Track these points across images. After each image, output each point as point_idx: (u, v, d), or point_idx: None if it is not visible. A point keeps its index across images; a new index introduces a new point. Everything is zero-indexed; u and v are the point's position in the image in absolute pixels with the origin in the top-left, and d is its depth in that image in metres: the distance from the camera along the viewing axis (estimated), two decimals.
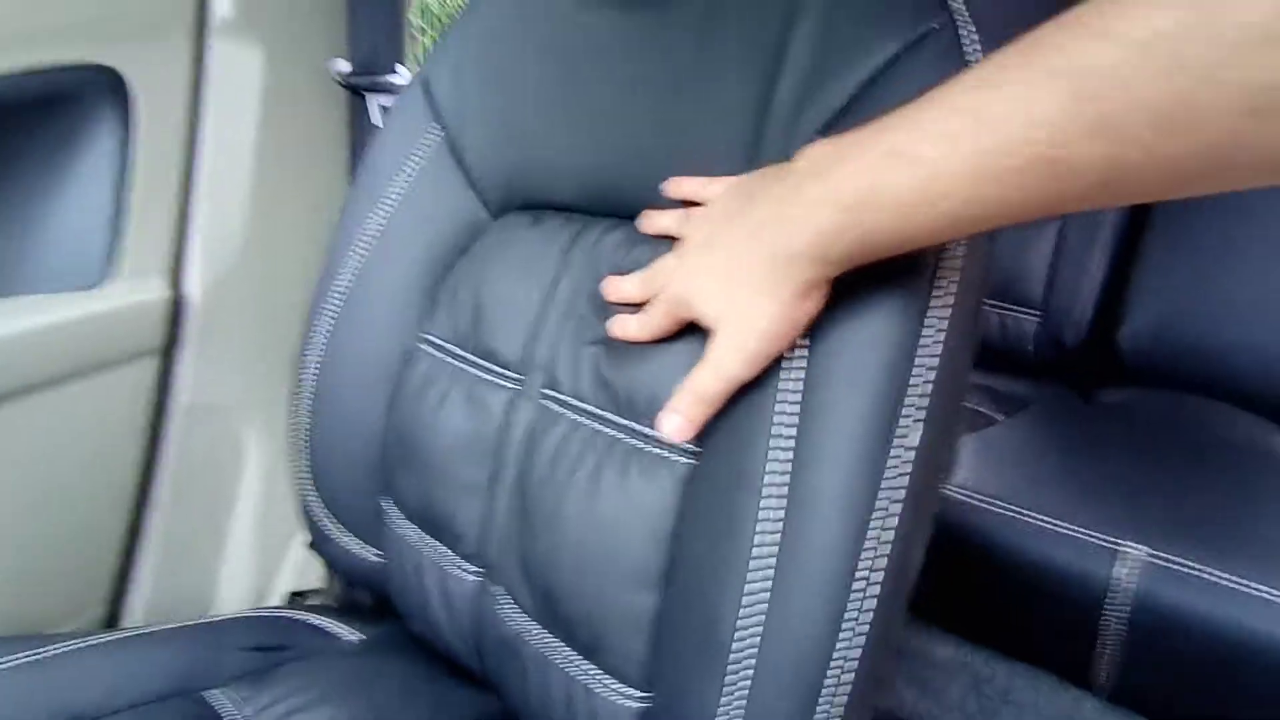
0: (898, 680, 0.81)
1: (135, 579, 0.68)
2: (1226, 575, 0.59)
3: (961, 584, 0.71)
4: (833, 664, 0.37)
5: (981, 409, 0.95)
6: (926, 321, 0.37)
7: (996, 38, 0.34)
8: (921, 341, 0.37)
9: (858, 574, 0.36)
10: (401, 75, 0.75)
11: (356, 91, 0.71)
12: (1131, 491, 0.69)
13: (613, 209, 0.54)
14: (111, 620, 0.68)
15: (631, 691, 0.45)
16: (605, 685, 0.46)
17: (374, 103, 0.71)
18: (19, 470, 0.64)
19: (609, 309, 0.50)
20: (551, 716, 0.49)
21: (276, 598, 0.74)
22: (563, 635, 0.48)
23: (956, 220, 0.31)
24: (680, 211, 0.47)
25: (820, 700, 0.37)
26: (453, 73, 0.63)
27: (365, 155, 0.66)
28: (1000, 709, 0.75)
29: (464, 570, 0.55)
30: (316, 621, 0.66)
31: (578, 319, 0.52)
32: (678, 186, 0.48)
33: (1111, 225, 1.02)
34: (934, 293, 0.38)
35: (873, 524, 0.36)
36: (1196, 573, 0.59)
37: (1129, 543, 0.62)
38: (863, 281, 0.38)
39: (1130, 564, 0.61)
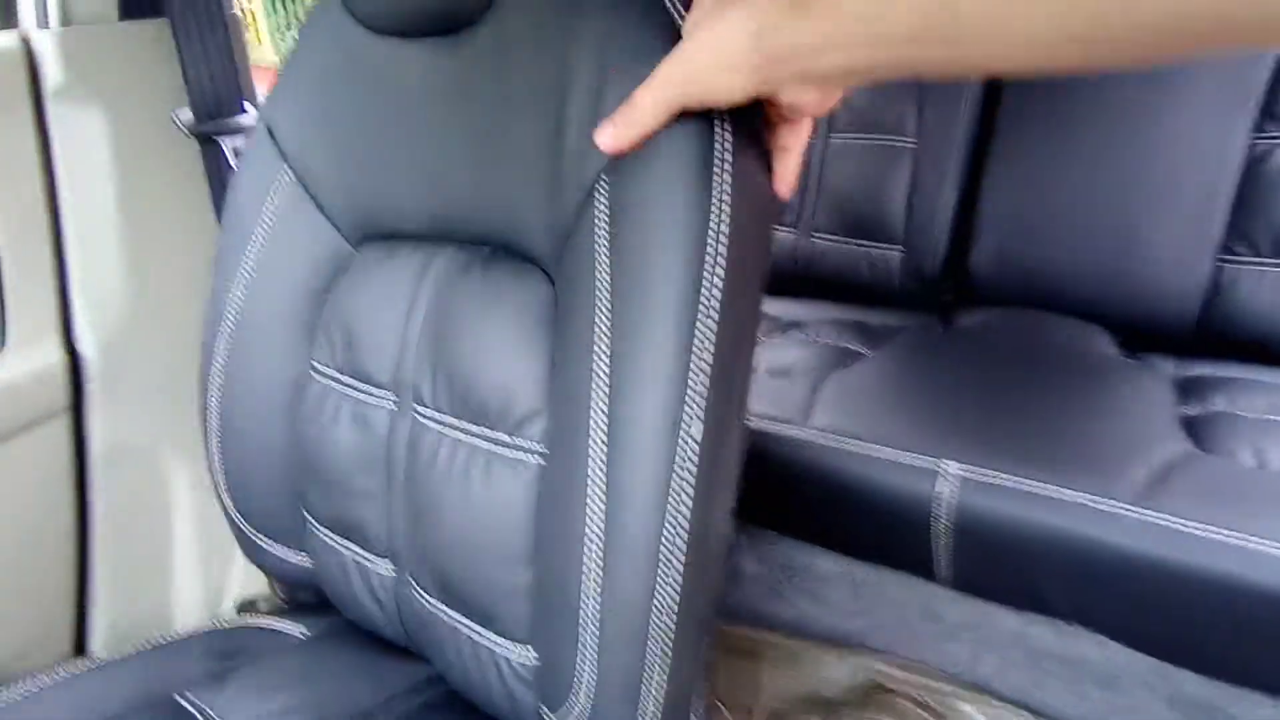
0: (792, 592, 0.94)
1: (93, 612, 0.76)
2: (1029, 482, 0.70)
3: (825, 509, 0.82)
4: (654, 615, 0.46)
5: (851, 345, 1.05)
6: (698, 320, 0.45)
7: None
8: (697, 347, 0.45)
9: (665, 539, 0.46)
10: (250, 115, 0.78)
11: (207, 138, 0.75)
12: (957, 413, 0.81)
13: (453, 235, 0.60)
14: (79, 649, 0.76)
15: (523, 649, 0.54)
16: (503, 647, 0.55)
17: (228, 146, 0.75)
18: None
19: (460, 329, 0.57)
20: (470, 675, 0.59)
21: (229, 606, 0.82)
22: (462, 610, 0.57)
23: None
24: None
25: (648, 644, 0.47)
26: (291, 114, 0.67)
27: (227, 197, 0.70)
28: (875, 605, 0.88)
29: (378, 563, 0.64)
30: (265, 624, 0.75)
31: (433, 339, 0.59)
32: None
33: (957, 159, 1.11)
34: (714, 262, 0.45)
35: (672, 497, 0.45)
36: (1002, 483, 0.71)
37: (946, 461, 0.73)
38: (640, 299, 0.46)
39: (948, 481, 0.73)
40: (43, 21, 0.71)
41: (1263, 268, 0.93)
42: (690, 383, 0.45)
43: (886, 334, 1.08)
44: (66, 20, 0.71)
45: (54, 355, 0.72)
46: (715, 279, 0.45)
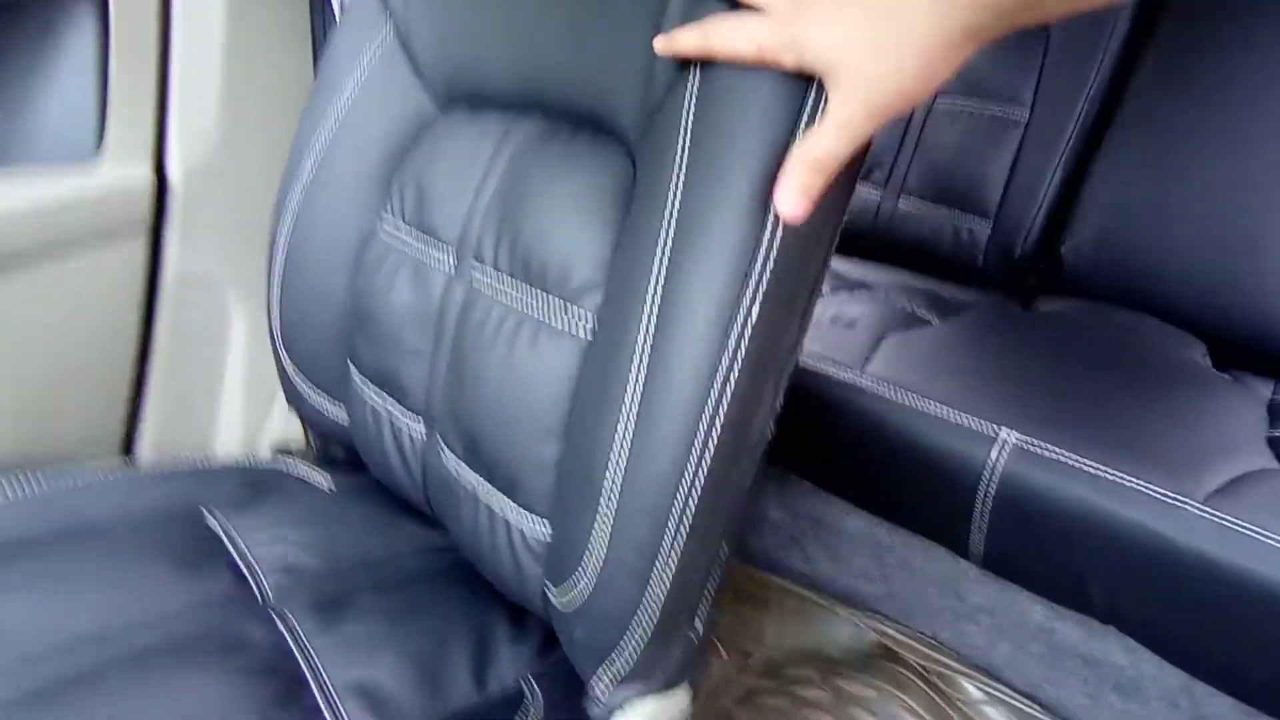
0: (813, 546, 0.92)
1: (143, 424, 0.79)
2: (1089, 462, 0.66)
3: (866, 463, 0.79)
4: (677, 498, 0.45)
5: (918, 311, 1.00)
6: (768, 221, 0.43)
7: None
8: (761, 245, 0.43)
9: (700, 428, 0.44)
10: None
11: None
12: (1023, 387, 0.76)
13: (540, 102, 0.59)
14: (125, 452, 0.80)
15: (539, 523, 0.54)
16: (520, 515, 0.55)
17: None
18: (34, 331, 0.73)
19: (533, 192, 0.56)
20: (482, 544, 0.59)
21: (264, 446, 0.85)
22: (486, 475, 0.57)
23: None
24: None
25: (667, 525, 0.46)
26: None
27: (325, 48, 0.70)
28: (896, 574, 0.86)
29: (412, 422, 0.64)
30: (294, 469, 0.77)
31: (505, 200, 0.58)
32: None
33: (1070, 138, 1.04)
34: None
35: (714, 388, 0.44)
36: (1057, 457, 0.67)
37: (1004, 429, 0.69)
38: (715, 181, 0.43)
39: (1002, 449, 0.69)
40: None
41: None
42: (751, 271, 0.43)
43: (959, 307, 1.03)
44: None
45: (143, 174, 0.74)
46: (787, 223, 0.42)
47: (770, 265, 0.43)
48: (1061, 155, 1.05)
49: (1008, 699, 0.77)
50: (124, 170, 0.72)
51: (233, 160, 0.77)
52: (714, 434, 0.44)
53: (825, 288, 1.10)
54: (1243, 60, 0.94)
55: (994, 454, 0.69)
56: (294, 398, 0.75)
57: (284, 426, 0.85)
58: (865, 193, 1.21)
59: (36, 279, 0.69)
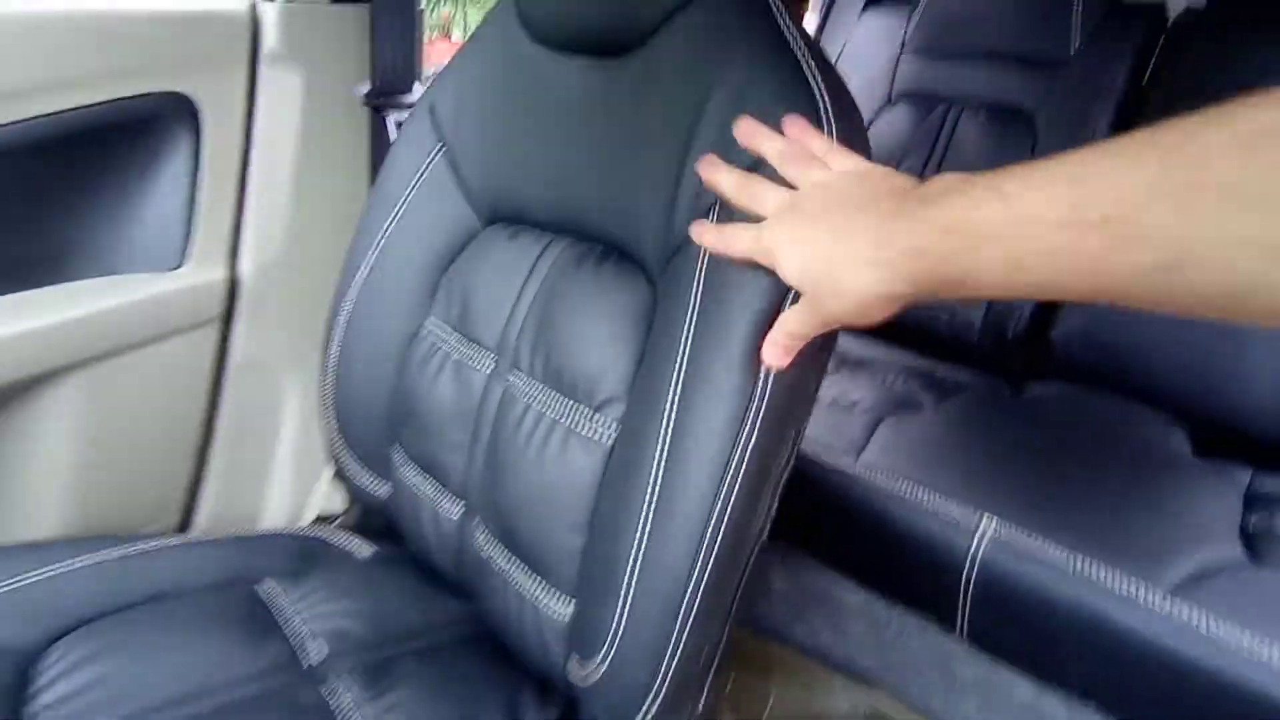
0: (815, 617, 0.97)
1: (201, 498, 0.87)
2: (1057, 549, 0.72)
3: (862, 544, 0.86)
4: (689, 587, 0.52)
5: (913, 394, 1.08)
6: (762, 367, 0.50)
7: None
8: (757, 387, 0.50)
9: (708, 529, 0.51)
10: (416, 93, 0.88)
11: (377, 110, 0.85)
12: (1007, 475, 0.83)
13: (573, 229, 0.67)
14: (182, 528, 0.87)
15: (564, 603, 0.61)
16: (548, 595, 0.62)
17: (391, 120, 0.85)
18: (112, 413, 0.82)
19: (566, 311, 0.64)
20: (510, 619, 0.66)
21: (309, 517, 0.92)
22: (519, 558, 0.64)
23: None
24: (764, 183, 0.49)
25: (679, 610, 0.52)
26: (452, 100, 0.75)
27: (384, 164, 0.80)
28: (891, 647, 0.91)
29: (450, 504, 0.71)
30: (337, 540, 0.84)
31: (540, 316, 0.66)
32: (793, 125, 0.50)
33: None
34: (787, 301, 0.50)
35: (719, 497, 0.51)
36: (1032, 546, 0.73)
37: (986, 517, 0.76)
38: (722, 326, 0.51)
39: (983, 537, 0.75)
40: None
41: None
42: (750, 405, 0.50)
43: (953, 389, 1.10)
44: None
45: (220, 273, 0.84)
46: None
47: (764, 404, 0.50)
48: None
49: None
50: (205, 274, 0.82)
51: (296, 261, 0.87)
52: (720, 534, 0.51)
53: (830, 366, 1.18)
54: None
55: (975, 541, 0.76)
56: (342, 472, 0.83)
57: (328, 499, 0.93)
58: None
59: (121, 367, 0.79)
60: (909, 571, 0.81)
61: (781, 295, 0.50)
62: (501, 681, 0.66)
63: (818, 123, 0.52)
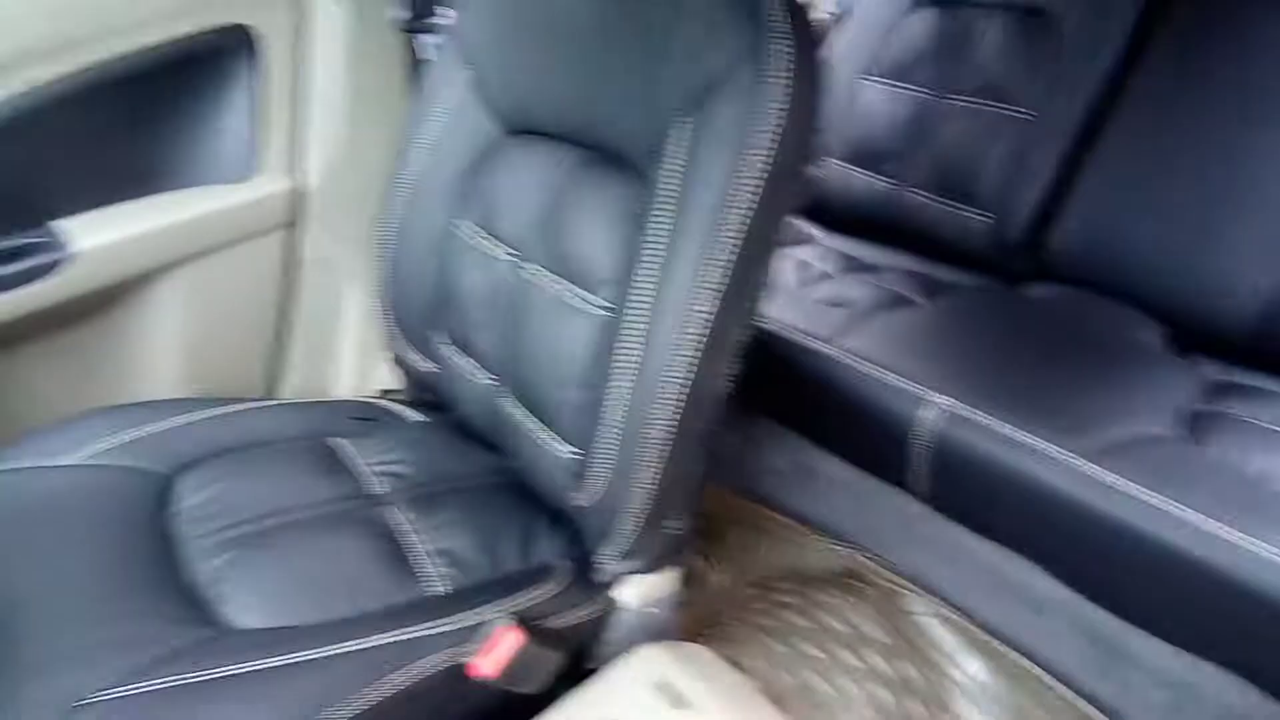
0: (799, 485, 1.11)
1: (283, 371, 1.05)
2: (1000, 422, 0.83)
3: (837, 419, 0.97)
4: (662, 427, 0.65)
5: (911, 293, 1.16)
6: (723, 245, 0.61)
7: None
8: (717, 260, 0.62)
9: (677, 381, 0.64)
10: (444, 16, 0.98)
11: (411, 33, 0.96)
12: (970, 359, 0.92)
13: (577, 138, 0.78)
14: (270, 394, 1.07)
15: (570, 447, 0.75)
16: (556, 441, 0.77)
17: (425, 41, 0.96)
18: (206, 303, 0.99)
19: (571, 210, 0.76)
20: (528, 464, 0.81)
21: (373, 389, 1.10)
22: (535, 413, 0.79)
23: None
24: None
25: (654, 446, 0.66)
26: (475, 24, 0.86)
27: (420, 84, 0.92)
28: (865, 511, 1.04)
29: (481, 375, 0.86)
30: (396, 408, 1.00)
31: (550, 215, 0.78)
32: None
33: (1066, 139, 1.16)
34: (745, 201, 0.61)
35: (686, 354, 0.63)
36: (977, 418, 0.84)
37: (934, 393, 0.86)
38: (692, 216, 0.62)
39: (933, 410, 0.86)
40: None
41: None
42: (708, 279, 0.62)
43: (948, 289, 1.18)
44: None
45: (285, 184, 0.99)
46: (742, 211, 0.61)
47: (727, 274, 0.62)
48: (1059, 153, 1.17)
49: (948, 614, 0.95)
50: (272, 185, 0.97)
51: (350, 172, 1.01)
52: (686, 388, 0.64)
53: (837, 269, 1.26)
54: (1234, 75, 1.04)
55: (924, 413, 0.86)
56: (397, 354, 0.99)
57: (387, 375, 1.10)
58: (882, 185, 1.35)
59: (209, 265, 0.96)
60: (875, 442, 0.93)
61: (734, 194, 0.61)
62: (522, 514, 0.82)
63: (761, 37, 0.61)
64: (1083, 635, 0.88)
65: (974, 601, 0.96)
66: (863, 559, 1.03)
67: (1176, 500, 0.75)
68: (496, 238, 0.84)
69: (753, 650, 0.96)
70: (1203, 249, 1.04)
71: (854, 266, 1.28)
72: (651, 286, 0.66)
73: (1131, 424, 0.84)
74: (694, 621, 1.03)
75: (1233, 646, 0.76)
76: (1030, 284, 1.20)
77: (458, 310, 0.89)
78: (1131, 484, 0.77)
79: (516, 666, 0.65)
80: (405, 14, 0.98)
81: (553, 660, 0.69)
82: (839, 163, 1.40)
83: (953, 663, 0.95)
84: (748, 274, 0.64)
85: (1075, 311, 1.09)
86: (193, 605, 0.66)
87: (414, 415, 0.99)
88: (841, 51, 1.42)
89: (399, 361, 0.99)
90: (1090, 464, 0.78)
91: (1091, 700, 0.90)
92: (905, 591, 1.00)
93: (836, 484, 1.02)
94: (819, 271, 1.24)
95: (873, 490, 0.99)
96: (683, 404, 0.65)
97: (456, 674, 0.63)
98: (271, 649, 0.60)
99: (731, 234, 0.61)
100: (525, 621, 0.68)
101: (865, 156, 1.37)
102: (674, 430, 0.66)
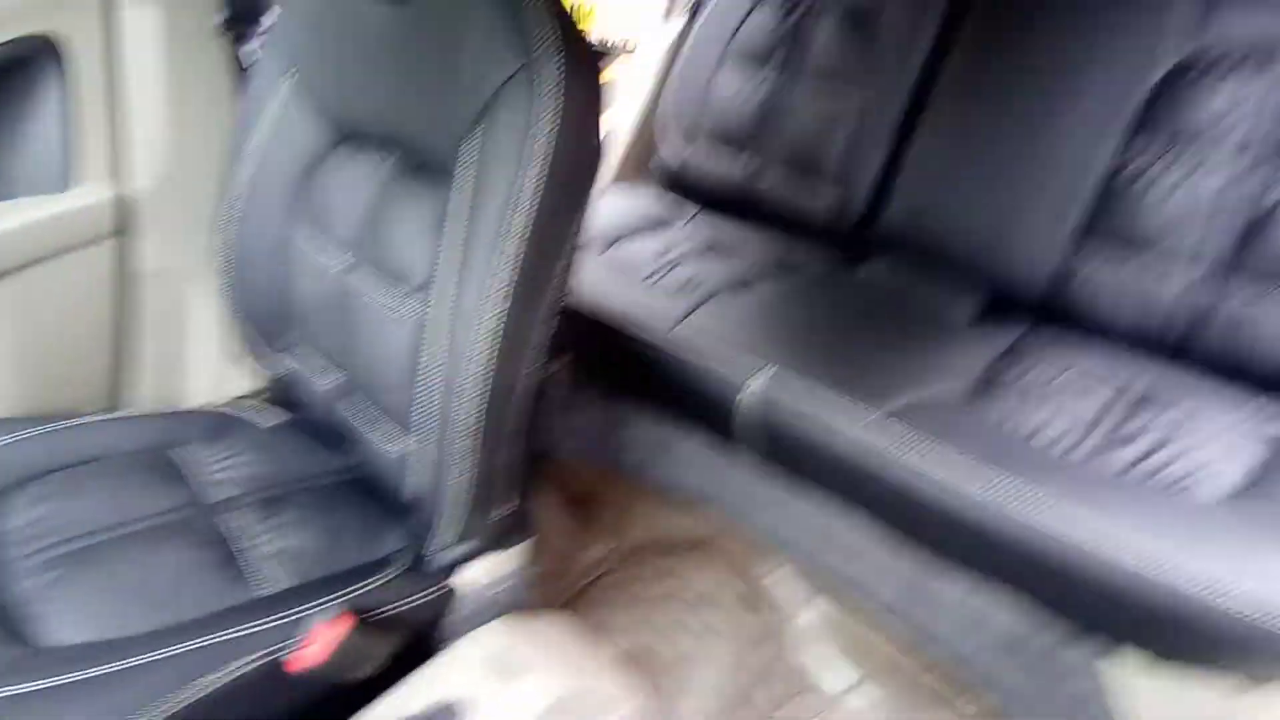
0: (652, 457, 1.17)
1: (127, 384, 1.03)
2: (810, 387, 0.90)
3: (680, 395, 1.04)
4: (476, 411, 0.68)
5: (751, 276, 1.23)
6: (511, 247, 0.65)
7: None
8: (506, 263, 0.65)
9: (485, 370, 0.67)
10: (268, 18, 0.98)
11: (234, 37, 0.95)
12: (793, 336, 0.99)
13: (397, 145, 0.80)
14: (115, 407, 1.05)
15: (398, 444, 0.78)
16: (388, 440, 0.79)
17: (248, 46, 0.95)
18: (34, 318, 0.96)
19: (390, 217, 0.78)
20: (369, 460, 0.84)
21: (228, 397, 1.10)
22: (369, 412, 0.82)
23: None
24: None
25: (474, 429, 0.69)
26: (297, 29, 0.86)
27: (246, 89, 0.91)
28: (713, 474, 1.11)
29: (324, 377, 0.88)
30: (249, 413, 1.01)
31: (374, 221, 0.80)
32: None
33: (889, 129, 1.24)
34: (526, 207, 0.65)
35: (490, 346, 0.66)
36: (797, 389, 0.91)
37: (760, 367, 0.93)
38: (485, 219, 0.66)
39: (760, 379, 0.93)
40: None
41: (1103, 265, 1.07)
42: (508, 278, 0.66)
43: (792, 269, 1.26)
44: None
45: (108, 192, 0.97)
46: (525, 217, 0.65)
47: (517, 277, 0.66)
48: (889, 135, 1.25)
49: (785, 562, 1.03)
50: (93, 194, 0.95)
51: (183, 179, 1.00)
52: (489, 382, 0.68)
53: (694, 252, 1.32)
54: (1027, 67, 1.13)
55: (752, 383, 0.94)
56: (251, 354, 0.99)
57: (242, 380, 1.10)
58: (736, 163, 1.42)
59: (33, 278, 0.93)
60: (711, 414, 1.00)
61: (516, 200, 0.64)
62: (365, 509, 0.85)
63: (530, 48, 0.65)
64: (900, 571, 0.97)
65: (810, 550, 1.05)
66: (716, 523, 1.11)
67: (956, 453, 0.84)
68: (330, 243, 0.85)
69: (614, 616, 1.02)
70: (1003, 224, 1.14)
71: (712, 247, 1.34)
72: (451, 290, 0.69)
73: (927, 388, 0.93)
74: (561, 593, 1.08)
75: (1005, 572, 0.86)
76: (867, 262, 1.28)
77: (300, 314, 0.90)
78: (917, 440, 0.85)
79: (342, 656, 0.68)
80: (224, 16, 0.97)
81: (383, 647, 0.72)
82: (702, 146, 1.45)
83: (795, 609, 1.03)
84: (538, 275, 0.68)
85: (899, 285, 1.18)
86: (5, 624, 0.66)
87: (268, 419, 1.00)
88: (699, 41, 1.47)
89: (248, 367, 1.00)
90: (885, 422, 0.86)
91: (905, 629, 1.00)
92: (753, 549, 1.08)
93: (690, 456, 1.09)
94: (677, 254, 1.29)
95: (722, 459, 1.05)
96: (486, 400, 0.69)
97: (276, 670, 0.66)
98: (84, 662, 0.62)
99: (516, 239, 0.65)
100: (357, 612, 0.71)
101: (726, 139, 1.43)
102: (482, 424, 0.70)
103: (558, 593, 1.07)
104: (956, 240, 1.17)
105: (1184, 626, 0.74)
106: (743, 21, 1.41)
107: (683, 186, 1.48)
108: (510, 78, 0.66)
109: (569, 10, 0.70)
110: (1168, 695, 0.86)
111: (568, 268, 0.71)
